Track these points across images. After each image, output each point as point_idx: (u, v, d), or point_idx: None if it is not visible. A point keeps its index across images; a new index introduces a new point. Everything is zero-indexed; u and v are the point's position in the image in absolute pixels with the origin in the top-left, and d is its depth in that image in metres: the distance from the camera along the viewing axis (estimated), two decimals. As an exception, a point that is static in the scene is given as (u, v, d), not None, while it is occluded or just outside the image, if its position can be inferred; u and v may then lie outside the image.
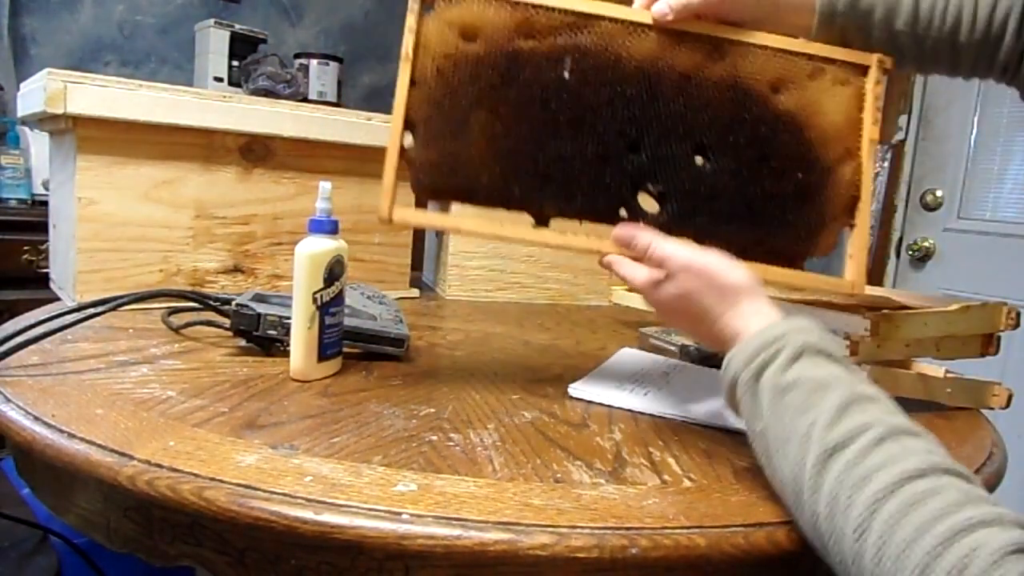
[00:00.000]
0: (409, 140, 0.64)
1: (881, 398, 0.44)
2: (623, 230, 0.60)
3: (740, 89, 0.63)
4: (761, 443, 0.46)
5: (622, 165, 0.64)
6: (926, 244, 2.06)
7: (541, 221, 0.65)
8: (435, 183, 0.64)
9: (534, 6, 0.63)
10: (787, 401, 0.44)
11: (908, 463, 0.38)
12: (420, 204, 0.65)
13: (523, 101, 0.63)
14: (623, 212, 0.65)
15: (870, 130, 0.65)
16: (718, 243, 0.63)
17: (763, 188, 0.64)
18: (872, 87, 0.65)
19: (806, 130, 0.64)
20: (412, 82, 0.63)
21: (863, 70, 0.65)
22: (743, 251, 0.63)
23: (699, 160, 0.64)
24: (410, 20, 0.63)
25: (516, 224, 0.64)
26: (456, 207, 0.67)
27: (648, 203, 0.65)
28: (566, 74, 0.63)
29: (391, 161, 0.62)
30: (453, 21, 0.63)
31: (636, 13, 0.64)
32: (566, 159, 0.64)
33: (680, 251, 0.57)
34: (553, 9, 0.63)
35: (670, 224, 0.64)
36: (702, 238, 0.63)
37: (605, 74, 0.63)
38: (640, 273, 0.59)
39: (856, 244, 0.65)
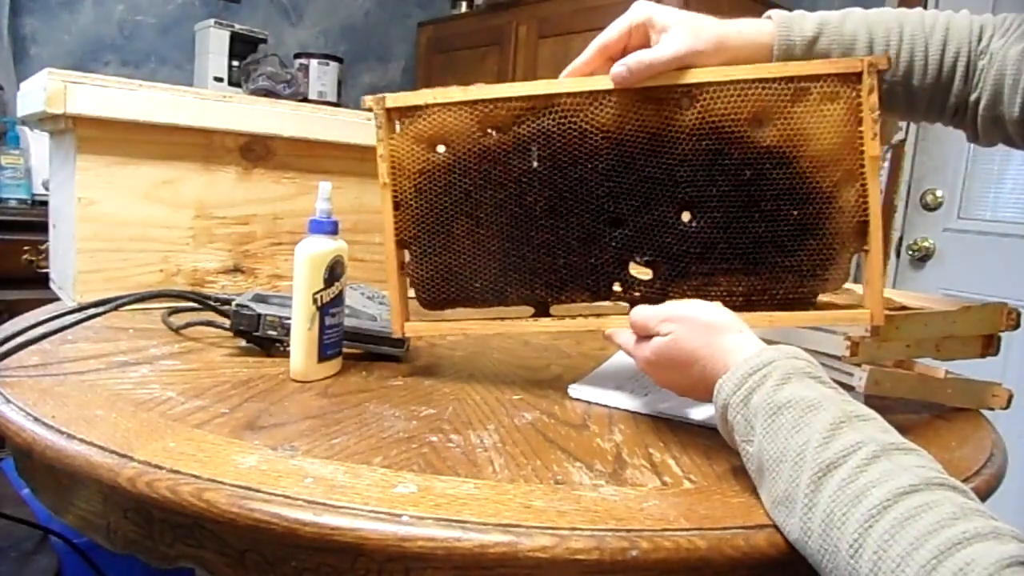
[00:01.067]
0: (407, 257, 0.67)
1: (872, 417, 0.44)
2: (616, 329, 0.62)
3: (716, 135, 0.60)
4: (754, 464, 0.46)
5: (606, 242, 0.64)
6: (926, 244, 2.06)
7: (541, 311, 0.67)
8: (435, 296, 0.67)
9: (490, 101, 0.62)
10: (779, 421, 0.44)
11: (902, 479, 0.37)
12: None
13: (498, 200, 0.64)
14: (617, 287, 0.65)
15: (870, 146, 0.58)
16: (719, 297, 0.63)
17: (755, 234, 0.61)
18: (867, 96, 0.58)
19: (796, 161, 0.59)
20: (395, 205, 0.65)
21: (854, 79, 0.58)
22: (747, 301, 0.63)
23: (687, 217, 0.62)
24: (380, 148, 0.64)
25: (518, 316, 0.67)
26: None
27: (641, 271, 0.65)
28: (535, 163, 0.63)
29: (392, 283, 0.66)
30: (420, 135, 0.64)
31: (594, 81, 0.61)
32: (549, 249, 0.64)
33: (657, 308, 0.58)
34: (509, 99, 0.62)
35: (665, 288, 0.64)
36: (701, 295, 0.63)
37: (572, 153, 0.62)
38: (630, 338, 0.60)
39: (872, 270, 0.61)
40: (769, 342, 0.52)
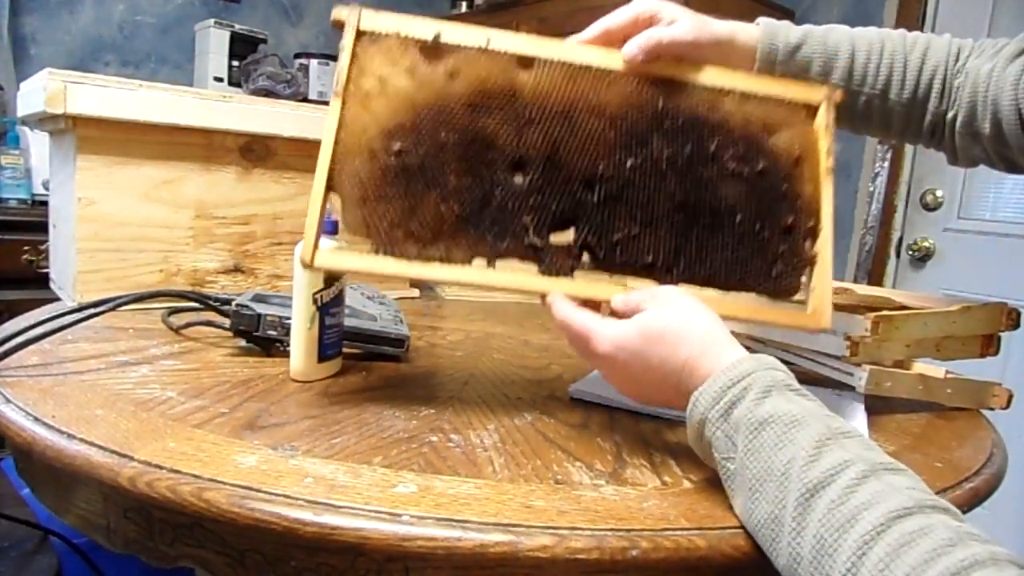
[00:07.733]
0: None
1: (857, 434, 0.42)
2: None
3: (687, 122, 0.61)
4: (736, 483, 0.44)
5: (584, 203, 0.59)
6: (926, 244, 2.06)
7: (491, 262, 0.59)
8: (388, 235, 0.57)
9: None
10: (762, 438, 0.42)
11: (893, 501, 0.36)
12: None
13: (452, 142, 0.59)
14: (586, 257, 0.61)
15: (824, 160, 0.62)
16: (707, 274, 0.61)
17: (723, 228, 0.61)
18: (827, 115, 0.62)
19: (753, 156, 0.61)
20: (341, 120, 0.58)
21: (813, 110, 0.63)
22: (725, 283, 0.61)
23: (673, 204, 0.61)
24: (343, 57, 0.60)
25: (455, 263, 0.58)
26: None
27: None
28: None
29: (314, 214, 0.57)
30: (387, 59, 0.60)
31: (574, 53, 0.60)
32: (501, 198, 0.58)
33: (641, 291, 0.55)
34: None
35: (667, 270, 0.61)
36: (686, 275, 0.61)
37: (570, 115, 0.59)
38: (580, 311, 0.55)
39: (819, 276, 0.61)
40: (760, 340, 0.51)
